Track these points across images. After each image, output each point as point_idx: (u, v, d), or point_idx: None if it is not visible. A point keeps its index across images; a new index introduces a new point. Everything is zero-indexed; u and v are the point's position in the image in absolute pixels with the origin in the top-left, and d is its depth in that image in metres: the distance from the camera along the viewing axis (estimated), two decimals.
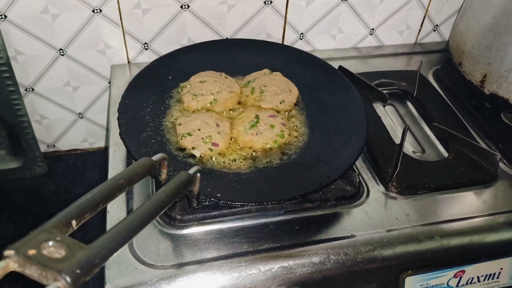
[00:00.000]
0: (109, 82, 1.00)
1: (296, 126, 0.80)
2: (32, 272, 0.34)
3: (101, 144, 1.12)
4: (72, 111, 1.04)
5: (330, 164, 0.71)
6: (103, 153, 1.12)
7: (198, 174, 0.56)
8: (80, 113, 1.05)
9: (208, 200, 0.63)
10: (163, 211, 0.48)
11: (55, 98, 1.00)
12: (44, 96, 0.99)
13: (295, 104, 0.84)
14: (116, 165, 0.76)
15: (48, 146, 1.09)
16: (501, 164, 0.81)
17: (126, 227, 0.41)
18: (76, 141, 1.10)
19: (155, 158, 0.53)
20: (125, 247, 0.63)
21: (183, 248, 0.64)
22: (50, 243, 0.35)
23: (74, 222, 0.39)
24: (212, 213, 0.67)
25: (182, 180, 0.52)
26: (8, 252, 0.34)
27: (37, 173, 1.04)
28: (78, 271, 0.34)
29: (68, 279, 0.33)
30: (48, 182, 1.04)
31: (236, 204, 0.64)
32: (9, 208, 0.98)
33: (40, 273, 0.34)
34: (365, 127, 0.75)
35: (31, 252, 0.34)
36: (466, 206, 0.73)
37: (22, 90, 0.96)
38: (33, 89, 0.97)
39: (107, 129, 1.08)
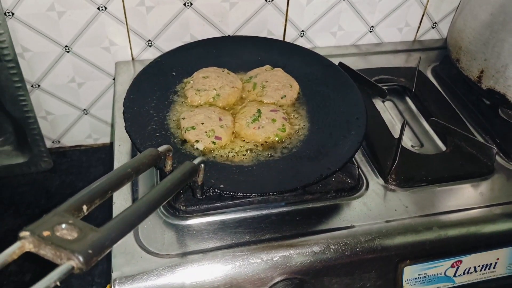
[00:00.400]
0: (114, 79, 1.01)
1: (297, 120, 0.81)
2: (47, 252, 0.36)
3: (105, 140, 1.14)
4: (77, 107, 1.05)
5: (330, 157, 0.72)
6: (107, 149, 1.14)
7: (202, 165, 0.58)
8: (84, 109, 1.06)
9: (211, 190, 0.64)
10: (168, 199, 0.50)
11: (61, 94, 1.02)
12: (49, 92, 1.01)
13: (296, 99, 0.86)
14: (121, 158, 0.78)
15: (53, 142, 1.11)
16: (497, 158, 0.82)
17: (134, 212, 0.43)
18: (80, 137, 1.11)
19: (160, 149, 0.55)
20: (131, 237, 0.65)
21: (187, 238, 0.65)
22: (63, 225, 0.37)
23: (85, 207, 0.41)
24: (215, 205, 0.69)
25: (187, 169, 0.54)
26: (23, 233, 0.36)
27: (43, 168, 1.05)
28: (90, 251, 0.35)
29: (81, 258, 0.35)
30: (53, 177, 1.05)
31: (239, 195, 0.65)
32: (16, 202, 0.99)
33: (54, 253, 0.35)
34: (365, 121, 0.77)
35: (46, 233, 0.36)
36: (463, 198, 0.75)
37: (28, 87, 0.97)
38: (39, 86, 0.99)
39: (112, 125, 1.10)
